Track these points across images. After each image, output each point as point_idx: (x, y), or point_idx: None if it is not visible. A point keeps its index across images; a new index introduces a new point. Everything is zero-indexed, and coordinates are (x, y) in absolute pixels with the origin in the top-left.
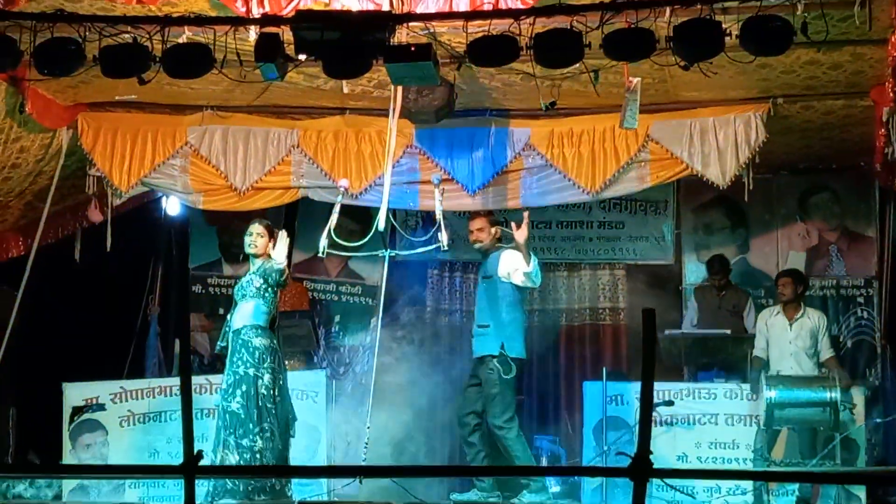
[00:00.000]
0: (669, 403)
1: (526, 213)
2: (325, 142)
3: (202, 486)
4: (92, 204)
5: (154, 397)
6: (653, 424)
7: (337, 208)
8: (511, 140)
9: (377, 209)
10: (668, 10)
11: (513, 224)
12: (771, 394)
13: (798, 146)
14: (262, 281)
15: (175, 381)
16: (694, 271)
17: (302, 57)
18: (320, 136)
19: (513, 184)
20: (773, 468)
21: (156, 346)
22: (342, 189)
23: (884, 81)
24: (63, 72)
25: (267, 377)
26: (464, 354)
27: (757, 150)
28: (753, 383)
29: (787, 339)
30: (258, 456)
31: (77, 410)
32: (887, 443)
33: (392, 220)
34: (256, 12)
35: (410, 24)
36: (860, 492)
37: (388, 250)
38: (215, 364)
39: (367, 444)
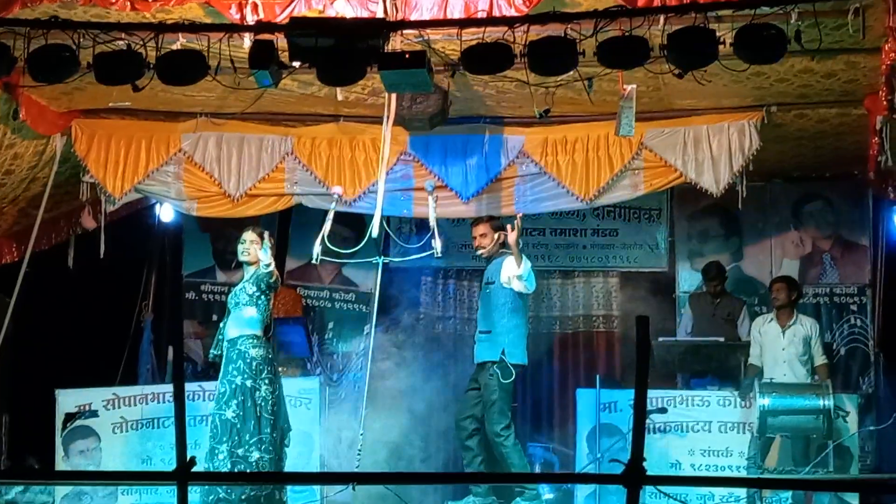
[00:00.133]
0: (663, 411)
1: (519, 216)
2: (319, 149)
3: (195, 494)
4: (85, 210)
5: (147, 404)
6: (646, 432)
7: (331, 215)
8: (505, 147)
9: (371, 216)
10: (662, 18)
11: (508, 227)
12: (764, 401)
13: (792, 154)
14: (255, 288)
15: (168, 388)
16: (688, 279)
17: (296, 64)
18: (314, 143)
19: (507, 191)
20: (767, 475)
21: (149, 352)
22: (336, 196)
23: (877, 90)
24: (57, 78)
25: (264, 388)
26: (458, 361)
27: (751, 158)
28: (746, 390)
29: (781, 346)
30: (253, 466)
31: (70, 417)
32: (880, 450)
33: (386, 227)
34: (250, 19)
35: (405, 31)
36: (853, 499)
37: (382, 257)
38: (208, 371)
39: (360, 450)
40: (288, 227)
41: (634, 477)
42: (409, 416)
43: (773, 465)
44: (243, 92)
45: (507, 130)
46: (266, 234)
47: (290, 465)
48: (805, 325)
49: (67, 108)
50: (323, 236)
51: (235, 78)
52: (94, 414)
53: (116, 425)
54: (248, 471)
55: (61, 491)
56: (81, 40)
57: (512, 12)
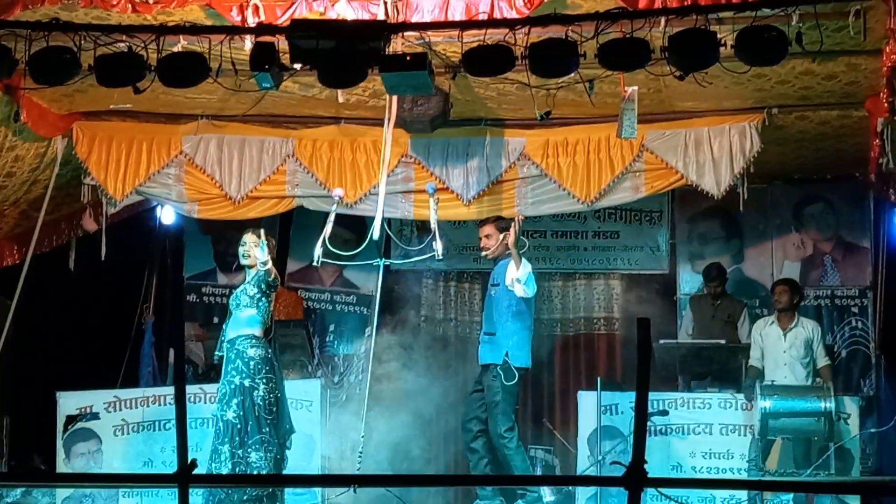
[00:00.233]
0: (664, 413)
1: (518, 217)
2: (321, 151)
3: (196, 496)
4: (87, 213)
5: (148, 406)
6: (647, 434)
7: (332, 217)
8: (506, 149)
9: (372, 218)
10: (663, 20)
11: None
12: (765, 403)
13: (793, 156)
14: (255, 290)
15: (169, 391)
16: (689, 281)
17: (297, 66)
18: (315, 145)
19: (508, 193)
20: (768, 478)
21: (150, 355)
22: (337, 198)
23: (878, 92)
24: (58, 80)
25: (262, 387)
26: (459, 363)
27: (752, 160)
28: (748, 393)
29: (782, 349)
30: (253, 466)
31: (71, 419)
32: (881, 453)
33: (387, 229)
34: (251, 21)
35: (406, 33)
36: (854, 502)
37: (383, 259)
38: (209, 373)
39: (361, 452)
40: (289, 229)
41: (636, 479)
42: (411, 417)
43: (774, 467)
44: (244, 94)
45: (507, 132)
46: (262, 232)
47: (291, 467)
48: (807, 328)
49: (68, 111)
50: (324, 238)
51: (236, 80)
52: (95, 416)
53: (117, 427)
54: (248, 472)
55: (62, 493)
56: (82, 42)
57: (513, 14)
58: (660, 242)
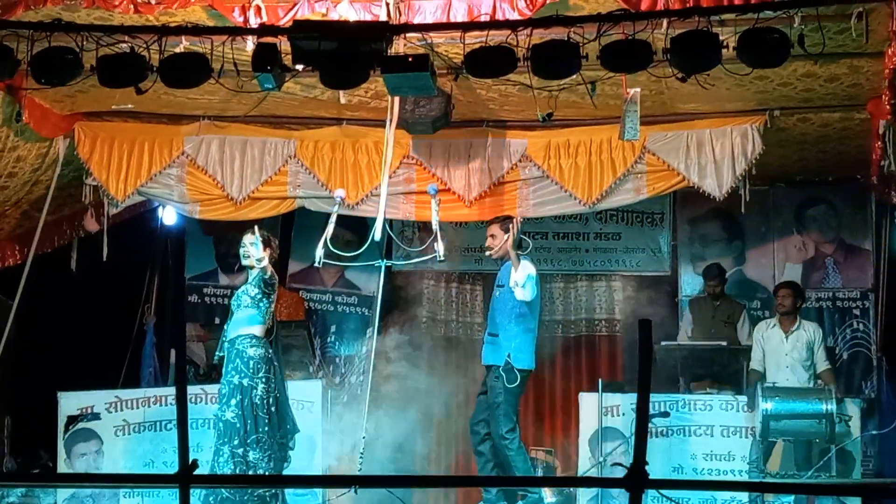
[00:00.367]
0: (665, 414)
1: (517, 219)
2: (322, 152)
3: (197, 496)
4: (88, 213)
5: (149, 407)
6: (649, 435)
7: (333, 218)
8: (508, 151)
9: (373, 219)
10: (665, 21)
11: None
12: (767, 405)
13: (795, 158)
14: (256, 290)
15: (170, 391)
16: (690, 283)
17: (299, 67)
18: (317, 146)
19: (509, 195)
20: (769, 479)
21: (151, 355)
22: (339, 199)
23: (880, 94)
24: (60, 81)
25: (261, 387)
26: (460, 364)
27: (753, 161)
28: (750, 395)
29: (784, 352)
30: (252, 466)
31: (72, 419)
32: (882, 455)
33: (388, 230)
34: (254, 22)
35: (408, 34)
36: None
37: (385, 260)
38: (211, 374)
39: (362, 453)
40: (290, 230)
41: (637, 481)
42: (411, 418)
43: (775, 469)
44: (246, 95)
45: (509, 134)
46: (256, 229)
47: (292, 468)
48: (808, 331)
49: (70, 111)
50: (325, 239)
51: (238, 81)
52: (96, 416)
53: (119, 428)
54: (248, 471)
55: (63, 493)
56: (85, 43)
57: (515, 16)
58: (661, 244)
